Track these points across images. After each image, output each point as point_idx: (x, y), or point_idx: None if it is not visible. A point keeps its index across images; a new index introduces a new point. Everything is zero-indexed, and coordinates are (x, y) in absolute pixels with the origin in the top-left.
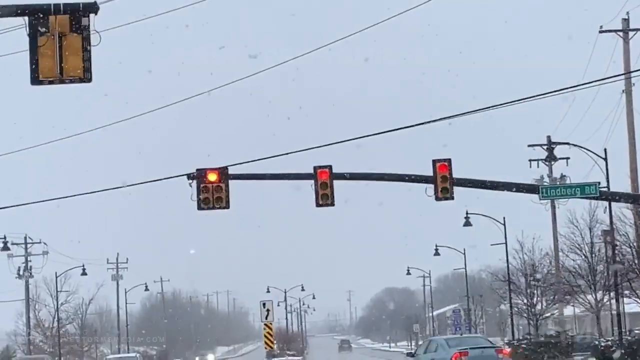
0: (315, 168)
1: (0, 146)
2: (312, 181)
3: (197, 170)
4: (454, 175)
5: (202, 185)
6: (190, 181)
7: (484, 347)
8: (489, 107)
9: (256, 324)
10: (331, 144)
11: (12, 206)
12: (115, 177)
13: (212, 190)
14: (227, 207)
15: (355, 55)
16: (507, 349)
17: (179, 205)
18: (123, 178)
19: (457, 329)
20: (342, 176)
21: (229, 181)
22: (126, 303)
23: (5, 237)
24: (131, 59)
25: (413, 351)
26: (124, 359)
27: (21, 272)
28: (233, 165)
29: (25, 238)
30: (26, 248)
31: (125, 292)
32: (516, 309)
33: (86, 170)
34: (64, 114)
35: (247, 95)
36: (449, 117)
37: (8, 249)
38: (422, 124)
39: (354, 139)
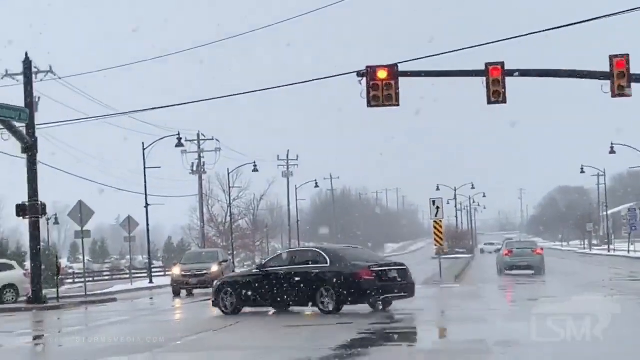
0: (487, 65)
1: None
2: (484, 78)
3: (367, 67)
4: (632, 71)
5: (372, 83)
6: (360, 79)
7: (524, 248)
8: None
9: (425, 221)
10: (502, 40)
11: (185, 103)
12: (285, 74)
13: (381, 88)
14: (397, 104)
15: None
16: (541, 249)
17: (349, 102)
18: (293, 76)
19: (633, 228)
20: (514, 73)
21: (399, 78)
22: (296, 199)
23: (179, 134)
24: None
25: (499, 247)
26: None
27: (195, 168)
28: (402, 63)
29: (198, 135)
30: (199, 145)
31: (296, 189)
32: None
33: (258, 69)
34: (229, 16)
35: None
36: (627, 10)
37: (182, 145)
38: (599, 18)
39: (525, 35)
